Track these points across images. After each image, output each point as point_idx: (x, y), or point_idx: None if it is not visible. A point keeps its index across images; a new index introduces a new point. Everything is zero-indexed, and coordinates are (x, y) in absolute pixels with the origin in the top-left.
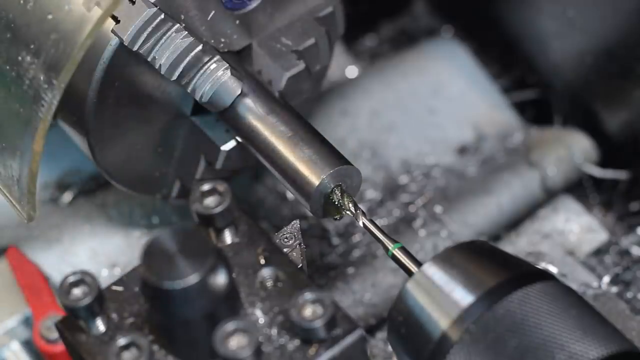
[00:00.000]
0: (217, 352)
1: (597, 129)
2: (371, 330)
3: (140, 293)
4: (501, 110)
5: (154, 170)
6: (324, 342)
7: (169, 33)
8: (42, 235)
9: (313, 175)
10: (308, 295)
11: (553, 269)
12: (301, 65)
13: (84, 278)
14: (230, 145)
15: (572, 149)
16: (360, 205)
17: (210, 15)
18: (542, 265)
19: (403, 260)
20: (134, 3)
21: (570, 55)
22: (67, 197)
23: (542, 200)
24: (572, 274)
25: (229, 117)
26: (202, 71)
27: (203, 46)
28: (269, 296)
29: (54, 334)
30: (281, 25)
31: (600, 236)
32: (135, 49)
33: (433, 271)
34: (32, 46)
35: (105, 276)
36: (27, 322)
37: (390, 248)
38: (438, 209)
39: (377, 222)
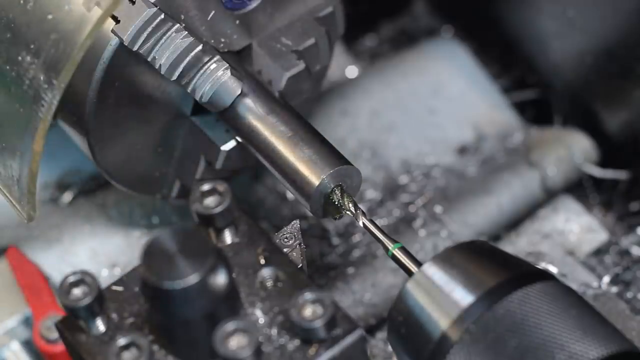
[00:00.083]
0: (217, 352)
1: (597, 129)
2: (371, 330)
3: (140, 293)
4: (501, 110)
5: (154, 170)
6: (324, 342)
7: (169, 33)
8: (42, 235)
9: (313, 175)
10: (308, 295)
11: (553, 269)
12: (301, 65)
13: (84, 278)
14: (230, 145)
15: (572, 149)
16: (360, 205)
17: (210, 15)
18: (542, 265)
19: (403, 260)
20: (134, 3)
21: (570, 55)
22: (67, 197)
23: (542, 200)
24: (572, 274)
25: (229, 117)
26: (202, 71)
27: (203, 46)
28: (269, 296)
29: (54, 334)
30: (281, 25)
31: (600, 236)
32: (135, 49)
33: (433, 271)
34: (32, 46)
35: (105, 276)
36: (27, 322)
37: (390, 248)
38: (438, 209)
39: (377, 222)
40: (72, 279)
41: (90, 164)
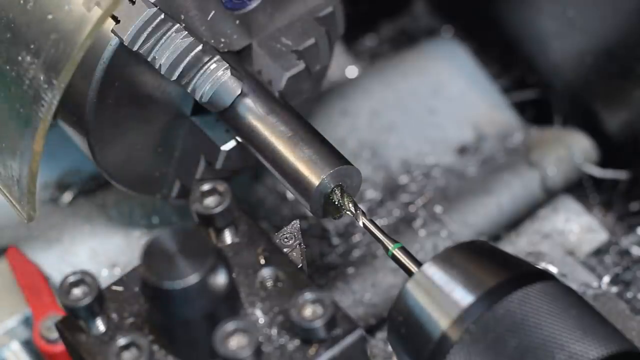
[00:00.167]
0: (217, 352)
1: (597, 129)
2: (371, 330)
3: (140, 293)
4: (501, 110)
5: (154, 170)
6: (324, 342)
7: (169, 33)
8: (42, 235)
9: (313, 175)
10: (308, 295)
11: (553, 269)
12: (301, 65)
13: (84, 278)
14: (230, 145)
15: (572, 149)
16: (360, 205)
17: (210, 15)
18: (542, 265)
19: (403, 260)
20: (134, 3)
21: (570, 55)
22: (67, 197)
23: (542, 200)
24: (572, 274)
25: (229, 117)
26: (202, 71)
27: (203, 46)
28: (269, 296)
29: (54, 334)
30: (281, 25)
31: (600, 236)
32: (135, 49)
33: (433, 271)
34: (32, 46)
35: (105, 276)
36: (27, 322)
37: (390, 248)
38: (438, 209)
39: (377, 222)
40: (72, 279)
41: (90, 164)
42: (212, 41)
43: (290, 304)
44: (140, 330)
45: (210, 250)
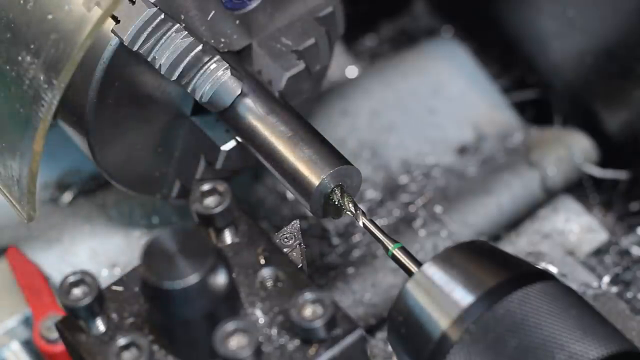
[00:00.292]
0: (217, 352)
1: (597, 129)
2: (371, 330)
3: (140, 293)
4: (501, 110)
5: (154, 170)
6: (324, 342)
7: (169, 33)
8: (42, 235)
9: (313, 175)
10: (308, 295)
11: (553, 269)
12: (301, 65)
13: (84, 278)
14: (230, 145)
15: (572, 149)
16: (360, 205)
17: (210, 15)
18: (542, 265)
19: (403, 260)
20: (134, 3)
21: (570, 55)
22: (67, 197)
23: (542, 200)
24: (572, 274)
25: (229, 117)
26: (202, 71)
27: (203, 46)
28: (269, 296)
29: (54, 334)
30: (281, 25)
31: (600, 236)
32: (135, 49)
33: (433, 271)
34: (32, 46)
35: (105, 276)
36: (27, 322)
37: (390, 248)
38: (438, 209)
39: (377, 222)
40: (72, 279)
41: (90, 164)
42: (212, 41)
43: (290, 304)
44: (140, 330)
45: (210, 250)
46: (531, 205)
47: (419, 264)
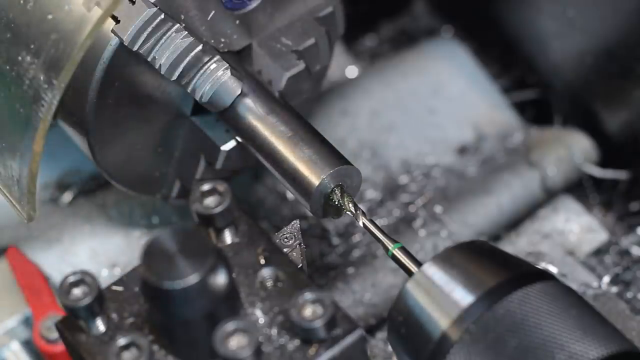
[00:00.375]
0: (217, 352)
1: (597, 129)
2: (371, 330)
3: (140, 293)
4: (501, 110)
5: (154, 170)
6: (324, 342)
7: (169, 33)
8: (42, 235)
9: (313, 175)
10: (308, 295)
11: (553, 269)
12: (301, 65)
13: (84, 278)
14: (230, 145)
15: (572, 149)
16: (360, 205)
17: (210, 15)
18: (542, 265)
19: (403, 260)
20: (134, 3)
21: (570, 55)
22: (67, 197)
23: (542, 200)
24: (572, 274)
25: (229, 117)
26: (202, 71)
27: (203, 46)
28: (269, 296)
29: (54, 334)
30: (281, 25)
31: (600, 236)
32: (135, 49)
33: (433, 271)
34: (32, 46)
35: (105, 276)
36: (27, 322)
37: (390, 248)
38: (438, 209)
39: (377, 222)
40: (72, 279)
41: (90, 164)
42: (212, 41)
43: (290, 304)
44: (140, 330)
45: (210, 250)
46: (531, 205)
47: (419, 264)
